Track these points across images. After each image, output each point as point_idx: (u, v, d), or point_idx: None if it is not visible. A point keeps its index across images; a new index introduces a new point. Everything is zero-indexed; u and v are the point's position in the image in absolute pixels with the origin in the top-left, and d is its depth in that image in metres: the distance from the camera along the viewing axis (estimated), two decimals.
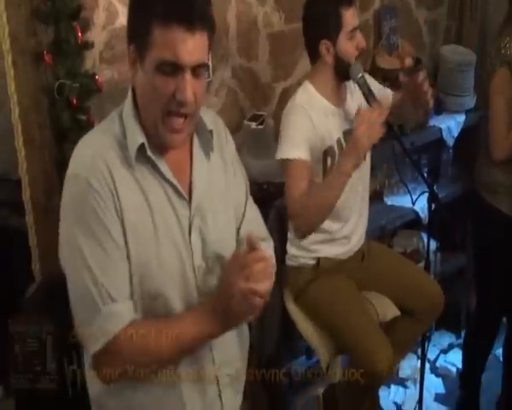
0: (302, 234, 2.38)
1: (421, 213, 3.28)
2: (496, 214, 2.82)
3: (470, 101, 3.54)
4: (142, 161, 1.42)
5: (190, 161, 1.51)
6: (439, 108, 3.51)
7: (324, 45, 2.32)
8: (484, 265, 2.98)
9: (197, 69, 1.35)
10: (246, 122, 2.93)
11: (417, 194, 2.39)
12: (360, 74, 2.30)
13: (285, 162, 2.30)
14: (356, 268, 2.58)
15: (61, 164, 2.28)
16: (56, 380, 1.90)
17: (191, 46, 1.31)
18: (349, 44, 2.31)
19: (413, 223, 3.37)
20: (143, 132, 1.41)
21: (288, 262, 2.57)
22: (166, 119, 1.37)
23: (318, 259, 2.49)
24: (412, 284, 2.55)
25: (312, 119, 2.32)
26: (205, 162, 1.52)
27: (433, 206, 2.37)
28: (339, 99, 2.44)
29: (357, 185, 2.47)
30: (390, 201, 3.40)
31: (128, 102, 1.45)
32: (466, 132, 3.50)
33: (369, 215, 2.67)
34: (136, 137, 1.40)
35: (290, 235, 2.55)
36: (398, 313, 2.55)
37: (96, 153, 1.39)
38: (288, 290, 2.59)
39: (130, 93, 1.45)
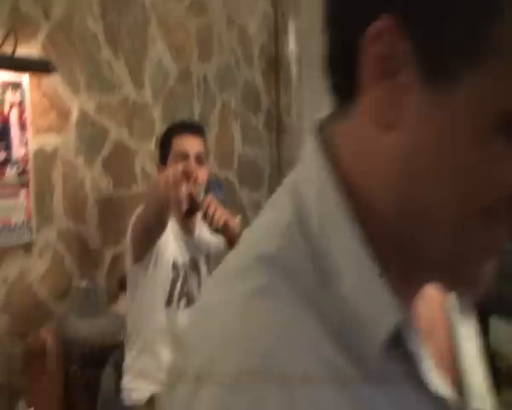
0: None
1: None
2: None
3: None
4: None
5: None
6: None
7: (159, 168, 2.38)
8: None
9: None
10: (75, 283, 2.69)
11: None
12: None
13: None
14: None
15: None
16: None
17: None
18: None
19: None
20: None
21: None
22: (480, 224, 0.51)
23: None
24: None
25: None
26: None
27: None
28: (188, 229, 2.36)
29: None
30: None
31: (325, 190, 0.52)
32: None
33: None
34: (387, 308, 0.49)
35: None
36: None
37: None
38: None
39: (322, 161, 0.52)
